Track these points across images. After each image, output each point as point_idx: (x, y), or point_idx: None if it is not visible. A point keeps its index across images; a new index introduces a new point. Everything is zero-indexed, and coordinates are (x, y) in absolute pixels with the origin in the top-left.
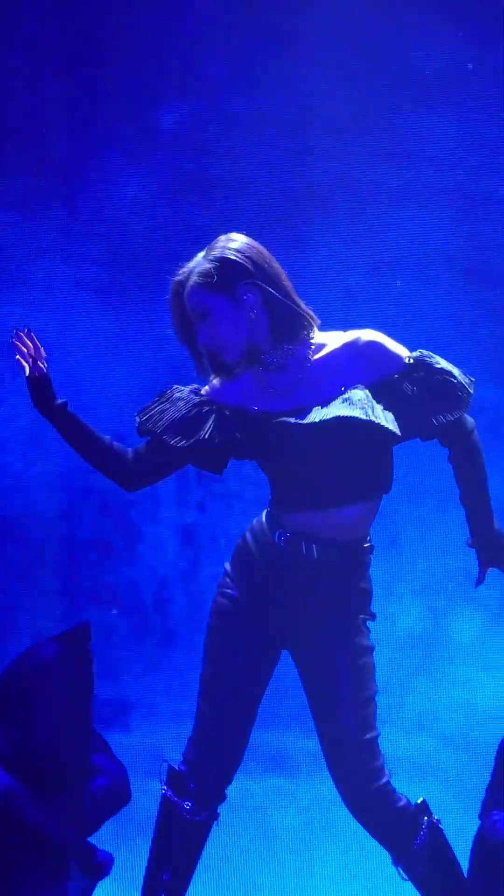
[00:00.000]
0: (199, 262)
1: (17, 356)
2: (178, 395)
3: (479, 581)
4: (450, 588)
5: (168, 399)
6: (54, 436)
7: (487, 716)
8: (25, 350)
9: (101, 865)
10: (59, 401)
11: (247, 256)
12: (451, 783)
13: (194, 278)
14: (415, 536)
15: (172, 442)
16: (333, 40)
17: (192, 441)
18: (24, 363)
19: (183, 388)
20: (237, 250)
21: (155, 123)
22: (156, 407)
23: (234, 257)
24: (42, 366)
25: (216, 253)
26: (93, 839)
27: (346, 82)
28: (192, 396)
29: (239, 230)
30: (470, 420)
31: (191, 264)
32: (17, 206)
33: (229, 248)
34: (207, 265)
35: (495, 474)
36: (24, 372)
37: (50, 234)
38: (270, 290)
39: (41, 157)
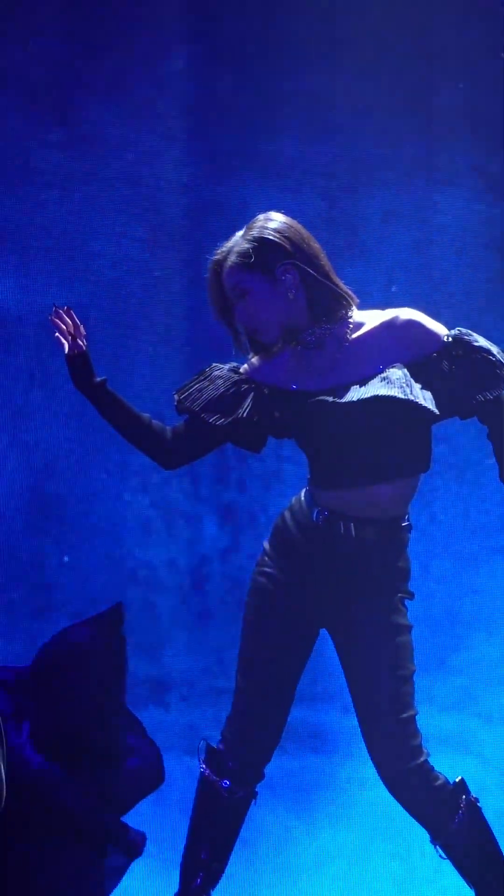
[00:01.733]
0: (238, 241)
1: (56, 334)
2: (216, 373)
3: None
4: (488, 566)
5: (207, 377)
6: (92, 413)
7: None
8: (64, 327)
9: (133, 844)
10: (99, 378)
11: (285, 236)
12: (490, 762)
13: (232, 258)
14: (453, 514)
15: (211, 420)
16: (365, 15)
17: (230, 419)
18: (64, 341)
19: (222, 365)
20: (275, 230)
21: (184, 102)
22: (194, 385)
23: (272, 237)
24: (81, 343)
25: (254, 233)
26: (132, 817)
27: (386, 59)
28: (231, 374)
29: (277, 208)
30: None
31: (229, 243)
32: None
33: (267, 228)
34: (246, 245)
35: None
36: (64, 349)
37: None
38: (308, 269)
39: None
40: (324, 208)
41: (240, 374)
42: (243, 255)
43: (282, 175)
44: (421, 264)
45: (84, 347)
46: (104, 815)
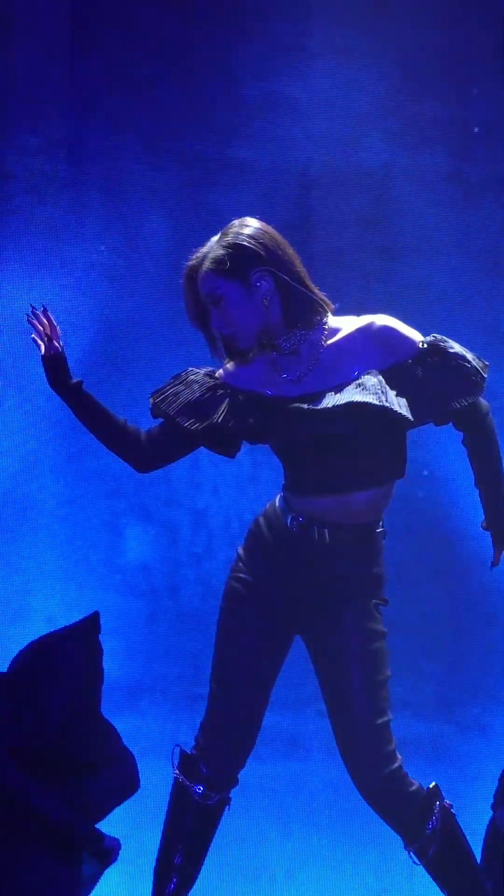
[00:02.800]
0: (213, 247)
1: (33, 335)
2: (192, 377)
3: (494, 563)
4: (464, 573)
5: (182, 381)
6: (66, 417)
7: (501, 702)
8: (41, 329)
9: (108, 851)
10: (74, 380)
11: (260, 242)
12: (464, 769)
13: (207, 264)
14: (429, 521)
15: (186, 425)
16: (339, 20)
17: (205, 424)
18: (40, 342)
19: (198, 370)
20: (250, 236)
21: (163, 107)
22: (170, 389)
23: (247, 243)
24: (57, 345)
25: (229, 239)
26: (105, 823)
27: (362, 65)
28: (207, 379)
29: (252, 213)
30: (484, 404)
31: (204, 249)
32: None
33: (242, 234)
34: (220, 251)
35: None
36: (40, 351)
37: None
38: (283, 276)
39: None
40: (299, 213)
41: (215, 378)
42: (218, 261)
43: (258, 180)
44: (396, 270)
45: (60, 348)
46: (79, 822)
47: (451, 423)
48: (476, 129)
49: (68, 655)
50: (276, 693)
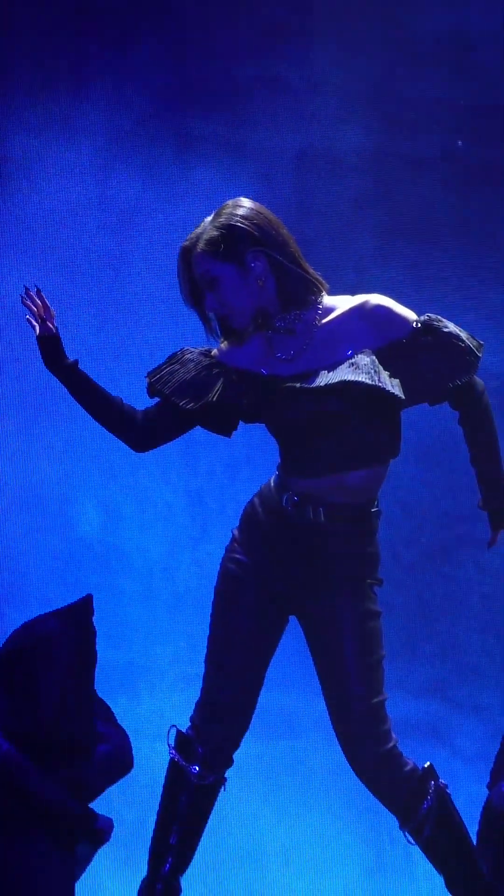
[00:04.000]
0: (206, 228)
1: (27, 316)
2: (188, 356)
3: (491, 543)
4: (459, 553)
5: (178, 360)
6: (62, 400)
7: (497, 682)
8: (35, 310)
9: (101, 831)
10: (70, 360)
11: (254, 223)
12: (459, 749)
13: (201, 245)
14: (425, 501)
15: (181, 404)
16: (345, 5)
17: (200, 403)
18: (34, 323)
19: (193, 349)
20: (244, 217)
21: (154, 85)
22: (166, 368)
23: (240, 224)
24: (51, 326)
25: (223, 220)
26: (101, 803)
27: (358, 47)
28: (202, 358)
29: (247, 193)
30: (479, 382)
31: (198, 230)
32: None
33: (236, 215)
34: (214, 233)
35: None
36: (35, 332)
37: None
38: (278, 256)
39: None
40: (295, 194)
41: (211, 357)
42: (212, 243)
43: (253, 161)
44: (392, 250)
45: (54, 329)
46: (73, 802)
47: (446, 403)
48: (472, 111)
49: (62, 638)
50: (271, 673)
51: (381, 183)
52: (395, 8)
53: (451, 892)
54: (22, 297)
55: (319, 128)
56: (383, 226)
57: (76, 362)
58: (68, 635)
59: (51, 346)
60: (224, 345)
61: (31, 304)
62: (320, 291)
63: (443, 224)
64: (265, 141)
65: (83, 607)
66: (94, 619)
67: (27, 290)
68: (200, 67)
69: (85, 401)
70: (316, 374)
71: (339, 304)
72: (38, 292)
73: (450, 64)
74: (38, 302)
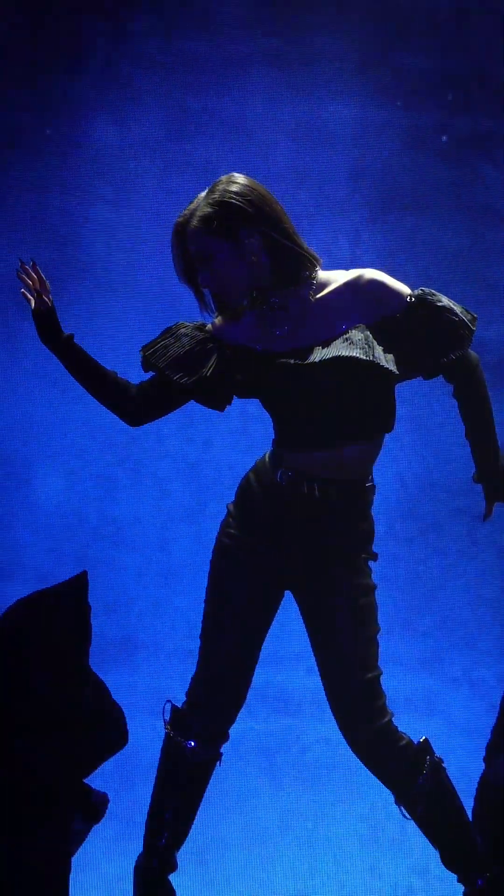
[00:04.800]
0: (200, 204)
1: (22, 289)
2: (182, 331)
3: (487, 516)
4: (455, 528)
5: (173, 335)
6: (56, 371)
7: (492, 656)
8: (30, 283)
9: (95, 806)
10: (65, 334)
11: (247, 199)
12: (455, 723)
13: (195, 222)
14: (418, 475)
15: (175, 378)
16: None
17: (194, 378)
18: (29, 297)
19: (188, 324)
20: (237, 193)
21: (150, 60)
22: (160, 342)
23: (234, 201)
24: (47, 300)
25: (216, 196)
26: (96, 779)
27: (353, 19)
28: (197, 333)
29: (241, 168)
30: (474, 355)
31: (191, 206)
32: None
33: (229, 191)
34: (208, 209)
35: (500, 413)
36: (30, 305)
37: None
38: (272, 232)
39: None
40: (289, 168)
41: (205, 332)
42: (206, 219)
43: (247, 134)
44: (387, 223)
45: (50, 303)
46: (67, 778)
47: (441, 376)
48: (468, 82)
49: (56, 614)
50: (267, 649)
51: (376, 155)
52: None
53: (446, 866)
54: (17, 270)
55: (313, 100)
56: (378, 198)
57: (71, 336)
58: (63, 611)
59: (46, 321)
60: (218, 320)
61: (26, 278)
62: (314, 267)
63: (438, 196)
64: (260, 114)
65: (78, 583)
66: (89, 594)
67: (22, 263)
68: (192, 40)
69: (80, 375)
70: (310, 349)
71: (334, 278)
72: (34, 266)
73: (445, 35)
74: (34, 275)
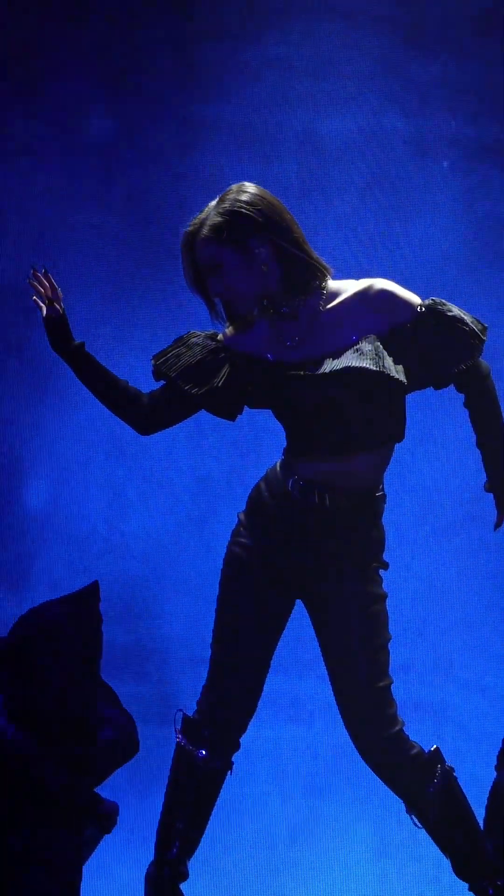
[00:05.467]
0: (210, 213)
1: (34, 297)
2: (194, 340)
3: (498, 525)
4: (466, 534)
5: (184, 344)
6: (66, 381)
7: (503, 663)
8: (42, 291)
9: (106, 815)
10: (76, 342)
11: (257, 209)
12: (467, 730)
13: (205, 231)
14: (429, 483)
15: (186, 387)
16: None
17: (205, 388)
18: (41, 304)
19: (199, 333)
20: (247, 202)
21: (161, 68)
22: (172, 351)
23: (244, 210)
24: (58, 307)
25: (226, 206)
26: (107, 788)
27: (358, 29)
28: (208, 342)
29: (251, 177)
30: (485, 365)
31: (202, 215)
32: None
33: (240, 201)
34: (218, 219)
35: None
36: (41, 312)
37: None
38: (282, 242)
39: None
40: (299, 177)
41: (217, 341)
42: (216, 228)
43: (258, 143)
44: (397, 232)
45: (61, 310)
46: (78, 786)
47: (452, 385)
48: (477, 91)
49: (68, 625)
50: (278, 657)
51: (387, 166)
52: None
53: (457, 875)
54: (29, 277)
55: (323, 109)
56: (388, 208)
57: (83, 344)
58: (75, 622)
59: (57, 328)
60: (230, 329)
61: (37, 285)
62: (324, 276)
63: (447, 206)
64: (269, 123)
65: (90, 594)
66: (100, 605)
67: (34, 270)
68: (204, 49)
69: (91, 383)
70: (321, 360)
71: (344, 288)
72: (46, 273)
73: (454, 45)
74: (46, 283)
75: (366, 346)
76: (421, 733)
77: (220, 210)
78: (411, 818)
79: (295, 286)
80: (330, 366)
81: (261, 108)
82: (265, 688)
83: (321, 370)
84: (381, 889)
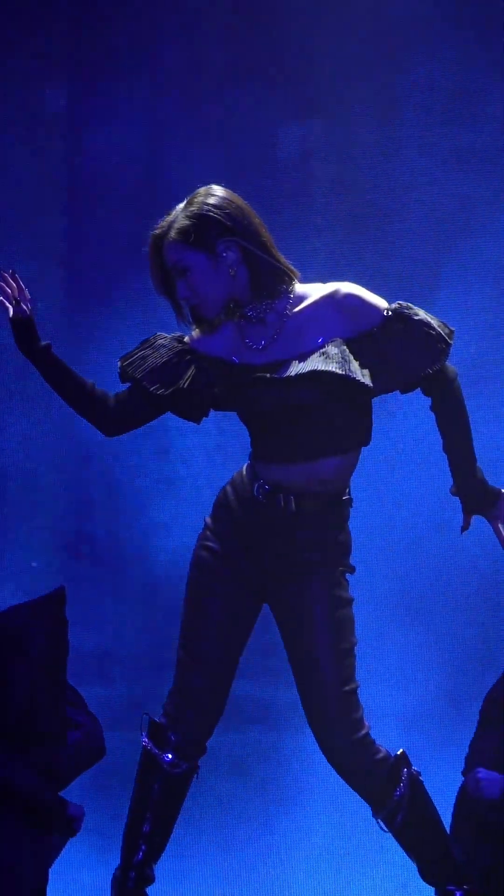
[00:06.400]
0: (178, 216)
1: (0, 298)
2: (160, 342)
3: (464, 528)
4: (434, 541)
5: (151, 346)
6: (34, 386)
7: (472, 669)
8: (9, 291)
9: (71, 819)
10: (42, 343)
11: (225, 212)
12: (433, 736)
13: (172, 234)
14: (398, 488)
15: (152, 389)
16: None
17: (171, 389)
18: (8, 304)
19: (166, 335)
20: (215, 206)
21: (146, 85)
22: (138, 353)
23: (212, 213)
24: (25, 308)
25: (194, 209)
26: (73, 791)
27: (330, 35)
28: (175, 344)
29: (220, 181)
30: (451, 369)
31: (169, 217)
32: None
33: (207, 204)
34: (185, 221)
35: (477, 425)
36: (8, 313)
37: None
38: (249, 246)
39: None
40: (270, 180)
41: (183, 344)
42: (183, 231)
43: (227, 145)
44: (367, 236)
45: (28, 312)
46: (44, 790)
47: (419, 390)
48: (445, 96)
49: (34, 630)
50: (245, 662)
51: (356, 169)
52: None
53: (424, 880)
54: None
55: (299, 117)
56: (358, 212)
57: (49, 346)
58: (40, 627)
59: (24, 329)
60: (196, 332)
61: (4, 286)
62: (292, 280)
63: (419, 210)
64: (240, 130)
65: (56, 599)
66: (66, 610)
67: (1, 271)
68: (185, 57)
69: (57, 384)
70: (287, 363)
71: (311, 292)
72: (13, 274)
73: (422, 49)
74: (13, 283)
75: (332, 349)
76: (387, 740)
77: (188, 213)
78: (378, 822)
79: (262, 290)
80: (296, 369)
81: (231, 114)
82: (232, 692)
83: (287, 373)
84: (349, 894)
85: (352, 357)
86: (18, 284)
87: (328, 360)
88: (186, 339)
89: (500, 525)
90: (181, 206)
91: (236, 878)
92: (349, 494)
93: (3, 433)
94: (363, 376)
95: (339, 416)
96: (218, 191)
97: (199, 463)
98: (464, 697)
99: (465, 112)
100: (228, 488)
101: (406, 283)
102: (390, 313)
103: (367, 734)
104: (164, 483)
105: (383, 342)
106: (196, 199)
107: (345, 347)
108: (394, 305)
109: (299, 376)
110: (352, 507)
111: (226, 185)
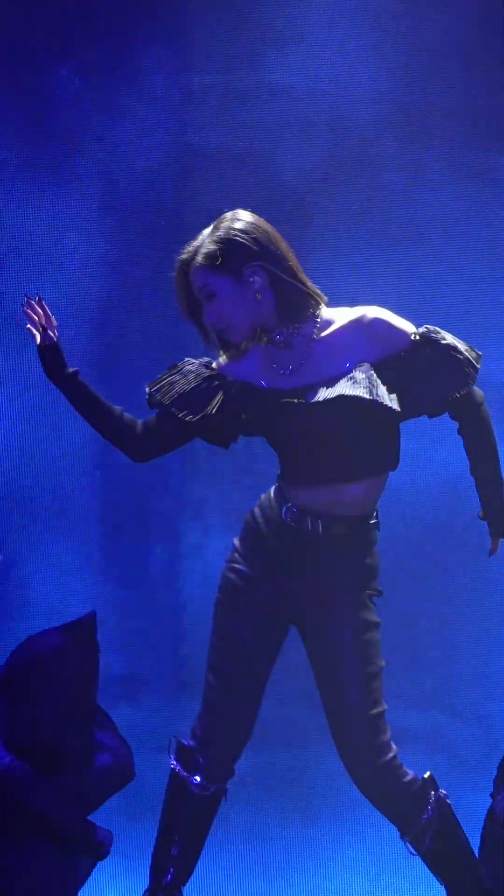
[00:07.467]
0: (204, 241)
1: (28, 325)
2: (188, 367)
3: (492, 552)
4: (461, 564)
5: (179, 371)
6: (64, 410)
7: (498, 690)
8: (36, 318)
9: (100, 844)
10: (70, 369)
11: (252, 237)
12: (461, 758)
13: (199, 259)
14: (423, 512)
15: (180, 415)
16: (345, 8)
17: (199, 415)
18: (35, 332)
19: (194, 360)
20: (242, 230)
21: (155, 95)
22: (166, 379)
23: (239, 238)
24: (52, 335)
25: (221, 233)
26: (102, 815)
27: (355, 56)
28: (203, 370)
29: (244, 204)
30: (479, 393)
31: (196, 242)
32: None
33: (234, 229)
34: (212, 246)
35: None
36: (35, 340)
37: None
38: (276, 270)
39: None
40: (294, 204)
41: (211, 369)
42: (210, 256)
43: (253, 171)
44: (388, 259)
45: (56, 338)
46: (72, 814)
47: (446, 415)
48: (465, 116)
49: (65, 654)
50: (273, 684)
51: (378, 190)
52: (396, 19)
53: None
54: (23, 305)
55: (317, 135)
56: (380, 235)
57: (77, 372)
58: (71, 651)
59: (52, 356)
60: (223, 357)
61: (31, 313)
62: (318, 304)
63: (442, 232)
64: (262, 150)
65: (87, 623)
66: (97, 635)
67: (28, 298)
68: (199, 76)
69: (85, 411)
70: (315, 388)
71: (338, 316)
72: (40, 300)
73: (444, 71)
74: (39, 310)
75: (359, 374)
76: (414, 761)
77: (215, 238)
78: (406, 845)
79: (289, 314)
80: (323, 394)
81: (251, 134)
82: (260, 714)
83: (315, 398)
84: None
85: (379, 382)
86: (45, 311)
87: (356, 384)
88: (214, 364)
89: None
90: (207, 230)
91: None
92: (377, 518)
93: (33, 458)
94: (391, 401)
95: (367, 440)
96: (244, 215)
97: (228, 485)
98: (492, 719)
99: (482, 130)
100: (257, 511)
101: (428, 306)
102: (417, 337)
103: (395, 757)
104: (193, 505)
105: (411, 367)
106: (222, 224)
107: (372, 372)
108: (421, 329)
109: (327, 401)
110: (379, 530)
111: (247, 208)
